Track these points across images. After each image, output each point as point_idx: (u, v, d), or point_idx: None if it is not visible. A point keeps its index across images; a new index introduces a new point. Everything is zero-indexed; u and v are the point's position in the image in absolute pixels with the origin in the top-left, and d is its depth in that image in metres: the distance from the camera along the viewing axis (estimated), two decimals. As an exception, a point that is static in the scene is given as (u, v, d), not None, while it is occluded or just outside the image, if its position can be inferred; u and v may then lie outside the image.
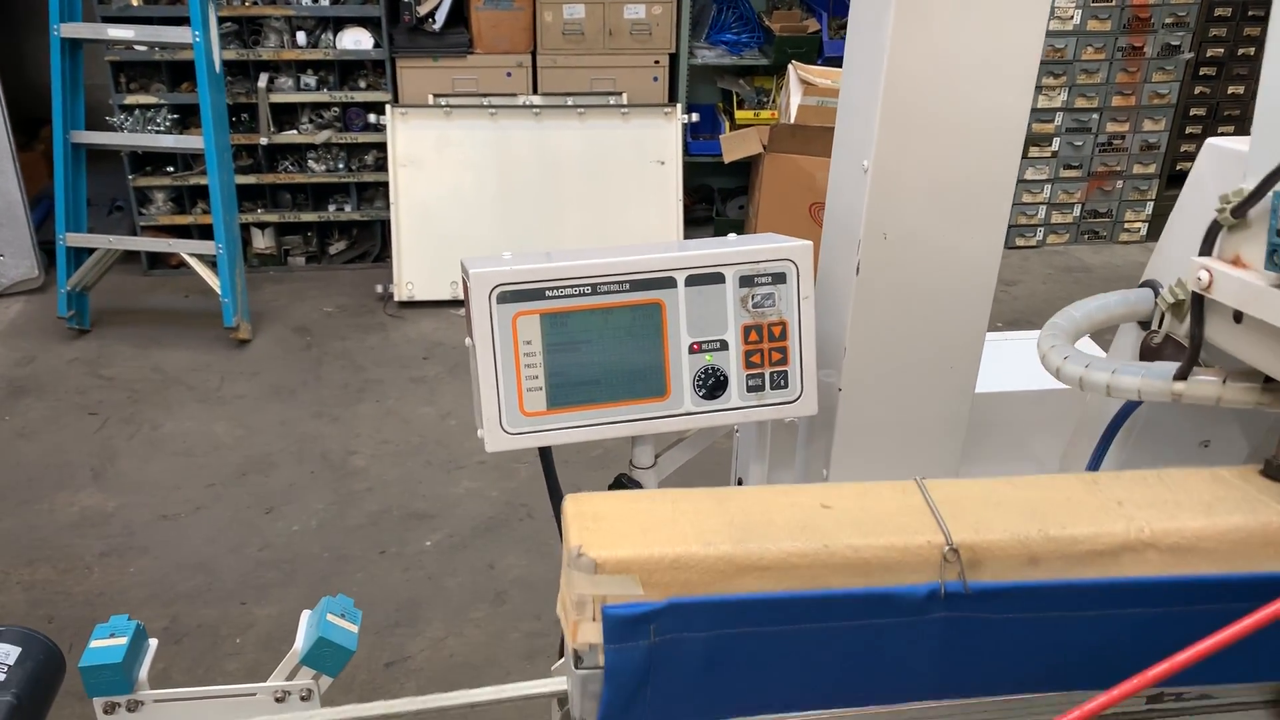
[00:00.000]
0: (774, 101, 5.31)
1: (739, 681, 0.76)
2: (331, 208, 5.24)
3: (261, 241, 5.24)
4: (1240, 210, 0.81)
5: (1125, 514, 0.78)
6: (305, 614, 1.05)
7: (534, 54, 5.09)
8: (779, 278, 1.09)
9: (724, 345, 1.09)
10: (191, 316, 4.80)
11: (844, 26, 5.21)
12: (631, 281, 1.06)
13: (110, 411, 4.02)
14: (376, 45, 4.92)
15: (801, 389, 1.12)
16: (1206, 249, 0.86)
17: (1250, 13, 5.63)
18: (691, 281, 1.07)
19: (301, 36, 4.83)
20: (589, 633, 0.74)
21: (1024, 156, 5.67)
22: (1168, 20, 5.57)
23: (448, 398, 4.15)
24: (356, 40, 4.89)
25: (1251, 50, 5.69)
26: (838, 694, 0.79)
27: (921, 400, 1.15)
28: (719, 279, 1.08)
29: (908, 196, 1.09)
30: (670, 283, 1.07)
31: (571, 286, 1.05)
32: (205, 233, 4.71)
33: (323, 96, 4.98)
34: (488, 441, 1.10)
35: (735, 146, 4.98)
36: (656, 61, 5.15)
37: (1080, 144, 5.75)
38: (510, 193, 4.94)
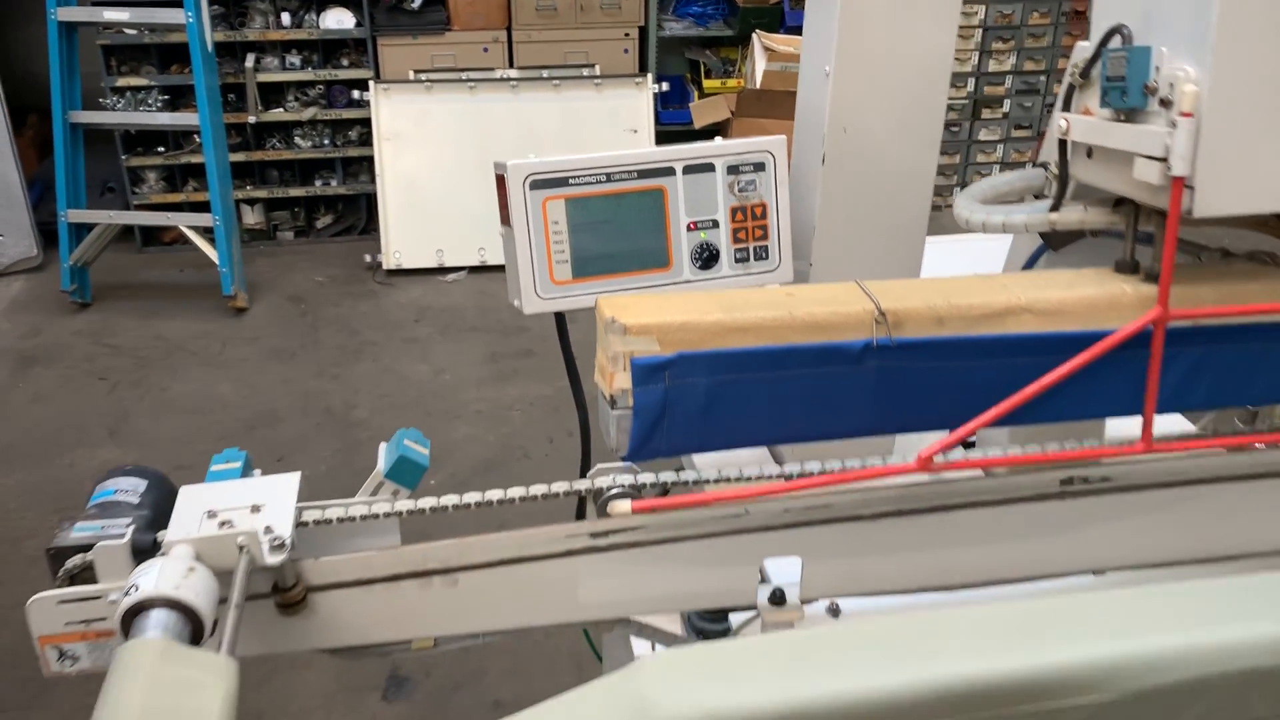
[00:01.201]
0: (740, 70, 5.53)
1: (728, 416, 1.00)
2: (318, 183, 5.42)
3: (251, 217, 5.41)
4: (1085, 72, 1.06)
5: (1009, 290, 1.03)
6: (383, 445, 1.26)
7: (509, 30, 5.29)
8: (759, 166, 1.31)
9: (715, 224, 1.31)
10: (188, 289, 4.98)
11: (803, -2, 5.46)
12: (639, 171, 1.28)
13: (119, 376, 4.20)
14: (358, 24, 5.09)
15: (780, 260, 1.34)
16: (1065, 107, 1.11)
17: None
18: (688, 170, 1.29)
19: (286, 17, 5.00)
20: (621, 380, 0.97)
21: (977, 118, 5.94)
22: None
23: (440, 356, 4.36)
24: (339, 20, 5.06)
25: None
26: (800, 428, 1.04)
27: (875, 275, 1.38)
28: (710, 168, 1.30)
29: (861, 95, 1.31)
30: (670, 172, 1.29)
31: (590, 175, 1.27)
32: (197, 209, 4.88)
33: (307, 75, 5.15)
34: (525, 306, 1.32)
35: (705, 113, 5.20)
36: (627, 34, 5.36)
37: (1030, 105, 6.01)
38: (490, 163, 5.13)
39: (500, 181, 1.32)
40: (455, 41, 5.26)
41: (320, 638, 1.14)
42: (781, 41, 4.90)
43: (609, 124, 5.21)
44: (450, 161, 5.12)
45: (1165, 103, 0.96)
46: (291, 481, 1.16)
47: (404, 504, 1.15)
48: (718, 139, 1.38)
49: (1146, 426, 1.04)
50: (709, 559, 1.16)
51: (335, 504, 1.17)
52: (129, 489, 1.22)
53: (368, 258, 5.15)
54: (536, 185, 1.27)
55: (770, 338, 0.99)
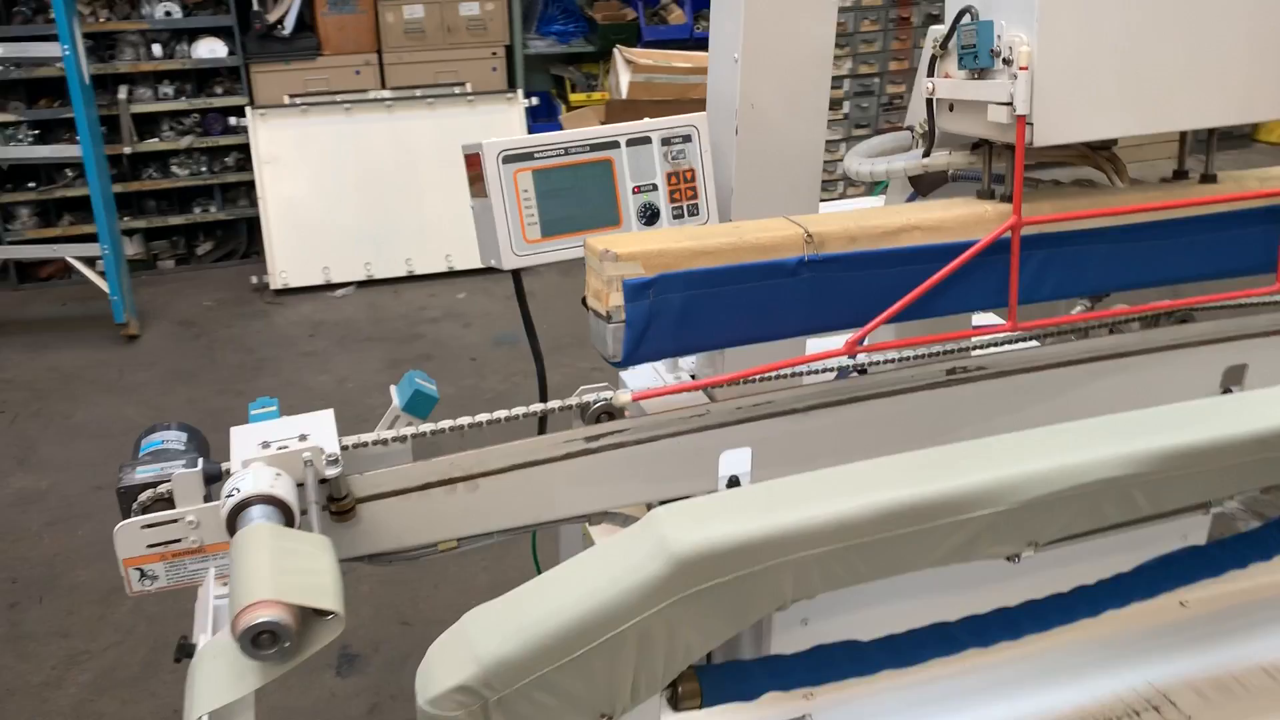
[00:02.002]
0: (602, 84, 5.81)
1: (699, 323, 1.25)
2: (197, 210, 5.45)
3: (131, 248, 5.39)
4: (944, 44, 1.36)
5: (901, 214, 1.32)
6: (393, 387, 1.46)
7: (379, 52, 5.44)
8: (687, 138, 1.57)
9: (655, 187, 1.56)
10: (75, 321, 4.95)
11: (656, 14, 5.78)
12: (590, 145, 1.52)
13: (17, 409, 4.17)
14: (231, 53, 5.17)
15: (708, 216, 1.60)
16: (930, 74, 1.41)
17: (995, -17, 6.49)
18: (630, 143, 1.54)
19: (157, 48, 5.04)
20: (615, 299, 1.21)
21: (821, 119, 6.37)
22: (929, -7, 6.37)
23: (341, 367, 4.48)
24: (211, 49, 5.12)
25: (999, 16, 6.55)
26: (754, 331, 1.29)
27: None
28: (648, 140, 1.55)
29: (763, 77, 1.58)
30: (616, 145, 1.53)
31: (550, 150, 1.50)
32: (75, 242, 4.85)
33: (181, 104, 5.19)
34: (505, 263, 1.53)
35: (575, 124, 5.45)
36: (494, 53, 5.58)
37: (866, 105, 6.48)
38: (371, 181, 5.28)
39: (473, 159, 1.54)
40: (327, 66, 5.38)
41: (366, 544, 1.34)
42: (642, 55, 5.20)
43: (483, 137, 5.39)
44: (331, 181, 5.24)
45: (1007, 61, 1.26)
46: (327, 416, 1.36)
47: (427, 426, 1.37)
48: (645, 119, 1.64)
49: (1012, 311, 1.34)
50: (679, 454, 1.41)
51: (367, 435, 1.38)
52: (173, 439, 1.40)
53: (254, 279, 5.21)
54: (508, 159, 1.50)
55: (728, 258, 1.25)
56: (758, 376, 1.36)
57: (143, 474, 1.32)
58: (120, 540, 1.25)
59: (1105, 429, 1.27)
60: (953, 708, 1.50)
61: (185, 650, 1.19)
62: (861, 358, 1.50)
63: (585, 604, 1.13)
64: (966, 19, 1.33)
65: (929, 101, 1.41)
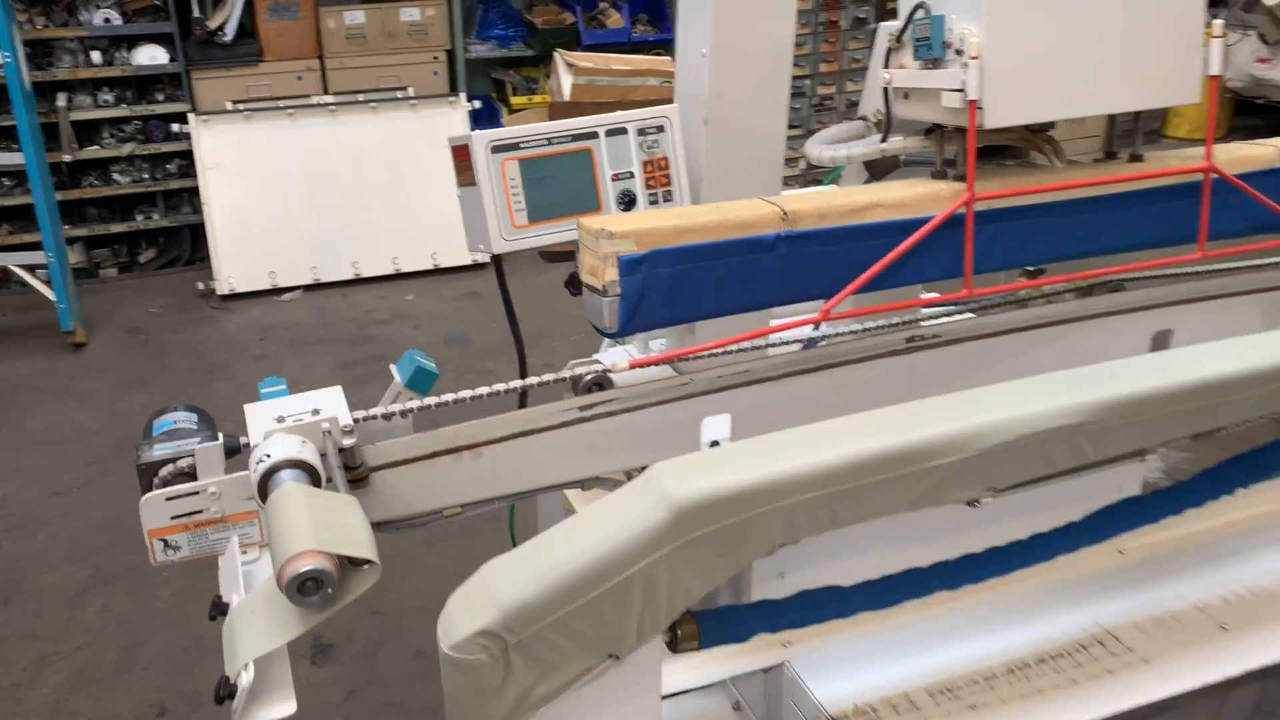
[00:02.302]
0: (543, 87, 5.89)
1: (687, 294, 1.34)
2: (139, 217, 5.42)
3: (72, 257, 5.32)
4: (900, 37, 1.48)
5: (865, 193, 1.44)
6: (393, 365, 1.54)
7: (321, 58, 5.46)
8: (660, 129, 1.67)
9: (632, 175, 1.66)
10: (17, 331, 4.89)
11: (595, 19, 5.88)
12: (572, 135, 1.61)
13: (-35, 419, 4.13)
14: (172, 59, 5.15)
15: (682, 201, 1.70)
16: (886, 66, 1.53)
17: (918, -12, 6.72)
18: (609, 134, 1.63)
19: (96, 55, 5.00)
20: (610, 274, 1.30)
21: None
22: (855, -2, 6.57)
23: (293, 369, 4.49)
24: (151, 56, 5.10)
25: (923, 18, 6.79)
26: (736, 302, 1.39)
27: None
28: (624, 131, 1.65)
29: (729, 71, 1.69)
30: (595, 135, 1.62)
31: (536, 140, 1.59)
32: (16, 251, 4.80)
33: (122, 111, 5.16)
34: (494, 247, 1.62)
35: (519, 123, 5.53)
36: (435, 58, 5.63)
37: (799, 106, 6.65)
38: (316, 185, 5.30)
39: (461, 150, 1.62)
40: (269, 72, 5.38)
41: (378, 511, 1.42)
42: (582, 58, 5.29)
43: (427, 141, 5.45)
44: (275, 186, 5.24)
45: (958, 52, 1.39)
46: (336, 392, 1.43)
47: (430, 400, 1.45)
48: (620, 111, 1.74)
49: (967, 279, 1.47)
50: (664, 422, 1.51)
51: (375, 410, 1.45)
52: (184, 419, 1.47)
53: (200, 285, 5.20)
54: (496, 149, 1.58)
55: (712, 235, 1.36)
56: (737, 346, 1.47)
57: (161, 451, 1.38)
58: (146, 512, 1.32)
59: (1053, 384, 1.40)
60: (919, 649, 1.62)
61: (220, 608, 1.26)
62: (825, 328, 1.61)
63: (596, 551, 1.22)
64: (920, 13, 1.45)
65: (885, 90, 1.53)
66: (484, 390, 1.47)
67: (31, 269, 4.52)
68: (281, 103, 5.30)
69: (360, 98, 5.40)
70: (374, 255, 5.35)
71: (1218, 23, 1.55)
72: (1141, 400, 1.46)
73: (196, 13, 5.18)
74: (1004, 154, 1.61)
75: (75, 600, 3.12)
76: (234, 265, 5.18)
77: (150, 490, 1.36)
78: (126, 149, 5.19)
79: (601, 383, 1.55)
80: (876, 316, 1.59)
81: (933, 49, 1.42)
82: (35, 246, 4.52)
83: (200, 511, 1.34)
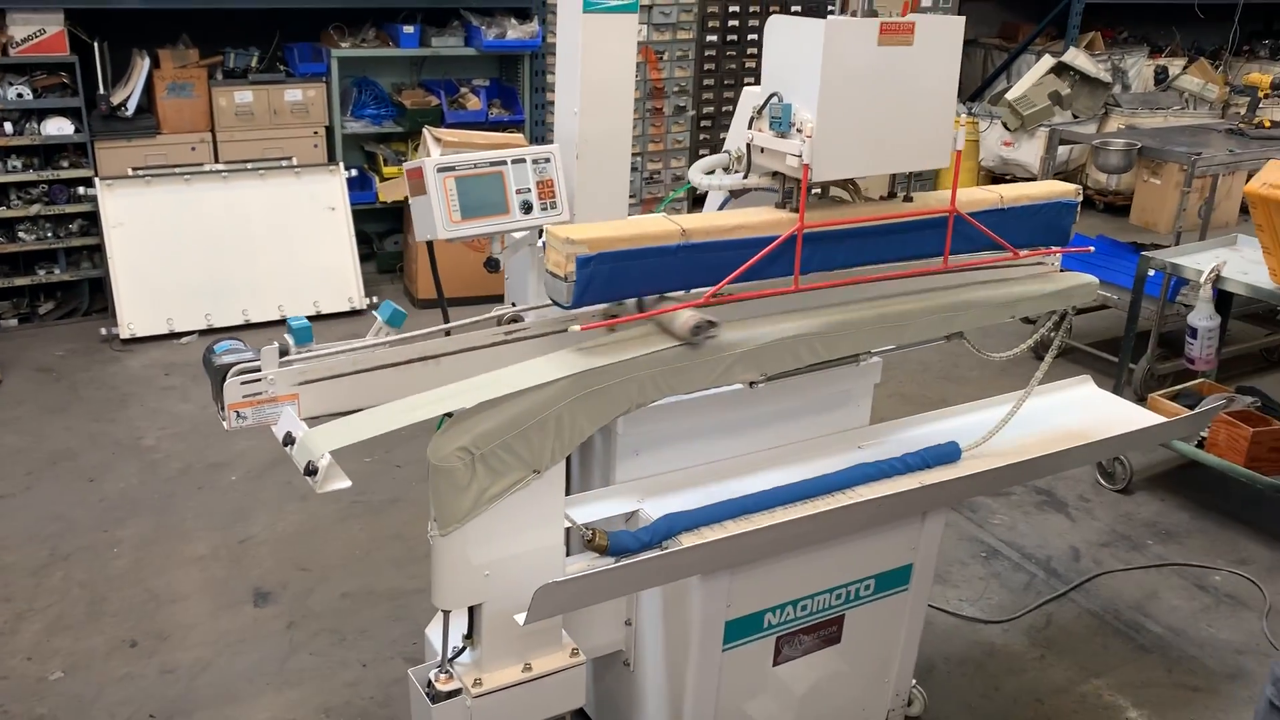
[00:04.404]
0: (410, 158, 6.58)
1: (619, 282, 1.96)
2: (41, 272, 5.79)
3: (-25, 307, 5.66)
4: (760, 111, 2.16)
5: (734, 218, 2.21)
6: (375, 311, 2.22)
7: (213, 131, 6.02)
8: (548, 160, 2.42)
9: (530, 190, 2.41)
10: (-71, 372, 5.19)
11: (456, 101, 6.65)
12: (490, 162, 2.35)
13: (-103, 443, 4.45)
14: (77, 130, 5.61)
15: (563, 210, 2.45)
16: (749, 126, 2.26)
17: (726, 81, 7.79)
18: (514, 162, 2.37)
19: (8, 126, 5.43)
20: (570, 267, 1.94)
21: (595, 190, 7.40)
22: (675, 89, 7.56)
23: (201, 396, 4.97)
24: (59, 127, 5.56)
25: (730, 108, 7.82)
26: (648, 288, 2.02)
27: (606, 219, 2.52)
28: (524, 161, 2.40)
29: (592, 124, 2.46)
30: (505, 163, 2.36)
31: (466, 164, 2.32)
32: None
33: (30, 176, 5.58)
34: (440, 234, 2.33)
35: (390, 191, 6.21)
36: (315, 132, 6.26)
37: (632, 180, 7.56)
38: (209, 241, 5.81)
39: (415, 172, 2.34)
40: (166, 143, 5.91)
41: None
42: (448, 134, 6.00)
43: (310, 204, 6.08)
44: (173, 242, 5.74)
45: (799, 130, 2.08)
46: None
47: (404, 335, 2.14)
48: (522, 147, 2.49)
49: (795, 277, 2.20)
50: (554, 343, 2.24)
51: (368, 340, 2.14)
52: (236, 344, 2.12)
53: (103, 331, 5.60)
54: (440, 170, 2.31)
55: (636, 243, 1.99)
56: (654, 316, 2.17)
57: (228, 358, 2.03)
58: (228, 392, 1.97)
59: (804, 313, 2.23)
60: (734, 488, 2.34)
61: (289, 440, 1.91)
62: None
63: (532, 397, 1.97)
64: (775, 99, 2.14)
65: (749, 145, 2.21)
66: (444, 327, 2.19)
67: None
68: (178, 169, 5.82)
69: (250, 165, 5.97)
70: (262, 303, 5.88)
71: (962, 115, 2.40)
72: (852, 320, 2.31)
73: (101, 90, 5.68)
74: (824, 192, 2.32)
75: (39, 572, 3.56)
76: (134, 312, 5.62)
77: (223, 384, 2.01)
78: (34, 209, 5.59)
79: (516, 318, 2.28)
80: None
81: (782, 125, 2.11)
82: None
83: (262, 393, 2.00)
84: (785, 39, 2.15)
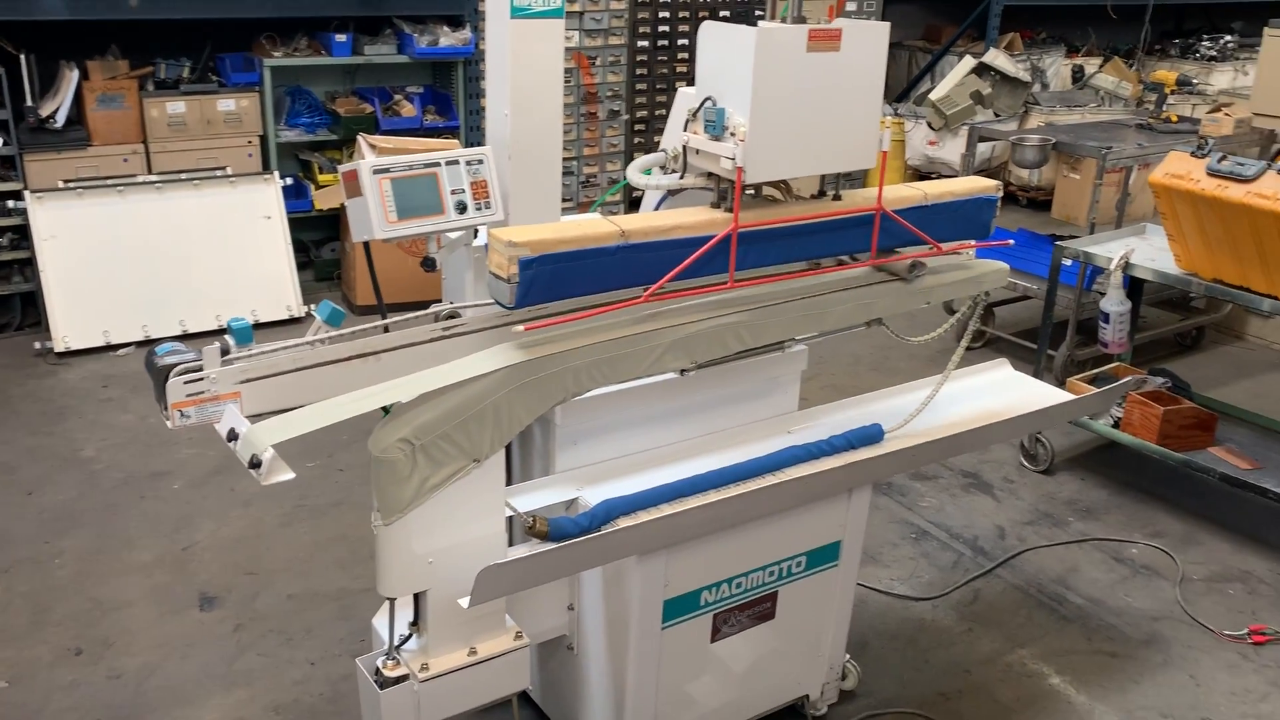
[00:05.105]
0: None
1: (559, 283, 2.00)
2: (-31, 288, 5.71)
3: (-98, 325, 5.55)
4: (694, 115, 2.23)
5: (671, 218, 2.22)
6: (313, 308, 2.26)
7: (145, 142, 5.97)
8: (481, 162, 2.48)
9: (464, 190, 2.46)
10: None
11: (390, 109, 6.67)
12: (424, 164, 2.41)
13: None
14: (5, 144, 5.54)
15: (496, 210, 2.51)
16: (685, 129, 2.32)
17: (659, 85, 7.90)
18: (448, 163, 2.43)
19: (-67, 139, 5.35)
20: (513, 269, 1.99)
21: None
22: (609, 94, 7.65)
23: (141, 407, 4.95)
24: (-14, 140, 5.49)
25: (663, 112, 7.93)
26: (589, 288, 2.07)
27: (540, 217, 2.60)
28: (458, 162, 2.46)
29: (523, 127, 2.53)
30: (439, 164, 2.42)
31: (401, 166, 2.38)
32: None
33: (-44, 191, 5.50)
34: (377, 234, 2.38)
35: (326, 199, 6.22)
36: (250, 142, 6.24)
37: (569, 183, 7.64)
38: (145, 252, 5.76)
39: (350, 175, 2.38)
40: (97, 155, 5.85)
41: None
42: (383, 140, 6.02)
43: (246, 213, 6.05)
44: (107, 254, 5.68)
45: (733, 134, 2.17)
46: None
47: (343, 331, 2.19)
48: (456, 150, 2.55)
49: (730, 274, 2.28)
50: (493, 337, 2.31)
51: (308, 337, 2.19)
52: (177, 346, 2.15)
53: (37, 344, 5.53)
54: (376, 172, 2.36)
55: (578, 245, 2.05)
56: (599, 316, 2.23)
57: (171, 358, 2.07)
58: (171, 392, 2.00)
59: (730, 303, 2.31)
60: (669, 474, 2.43)
61: (233, 435, 1.95)
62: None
63: (470, 388, 2.04)
64: (710, 103, 2.21)
65: (685, 147, 2.29)
66: (382, 322, 2.25)
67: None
68: (111, 181, 5.77)
69: (184, 176, 5.94)
70: (199, 313, 5.84)
71: (888, 115, 2.49)
72: (775, 308, 2.40)
73: (30, 102, 5.61)
74: (757, 192, 2.39)
75: (-22, 587, 3.53)
76: (69, 325, 5.56)
77: (165, 384, 2.04)
78: (-39, 224, 5.51)
79: (454, 314, 2.35)
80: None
81: (716, 129, 2.19)
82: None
83: (205, 392, 2.04)
84: (718, 45, 2.22)
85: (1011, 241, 2.87)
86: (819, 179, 2.44)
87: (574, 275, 2.09)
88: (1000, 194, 2.67)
